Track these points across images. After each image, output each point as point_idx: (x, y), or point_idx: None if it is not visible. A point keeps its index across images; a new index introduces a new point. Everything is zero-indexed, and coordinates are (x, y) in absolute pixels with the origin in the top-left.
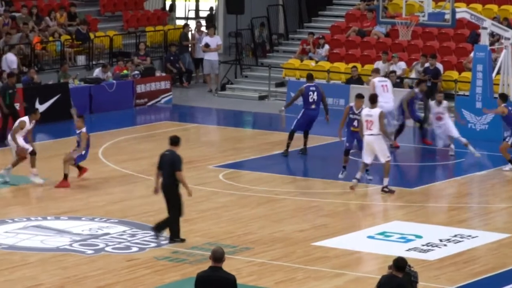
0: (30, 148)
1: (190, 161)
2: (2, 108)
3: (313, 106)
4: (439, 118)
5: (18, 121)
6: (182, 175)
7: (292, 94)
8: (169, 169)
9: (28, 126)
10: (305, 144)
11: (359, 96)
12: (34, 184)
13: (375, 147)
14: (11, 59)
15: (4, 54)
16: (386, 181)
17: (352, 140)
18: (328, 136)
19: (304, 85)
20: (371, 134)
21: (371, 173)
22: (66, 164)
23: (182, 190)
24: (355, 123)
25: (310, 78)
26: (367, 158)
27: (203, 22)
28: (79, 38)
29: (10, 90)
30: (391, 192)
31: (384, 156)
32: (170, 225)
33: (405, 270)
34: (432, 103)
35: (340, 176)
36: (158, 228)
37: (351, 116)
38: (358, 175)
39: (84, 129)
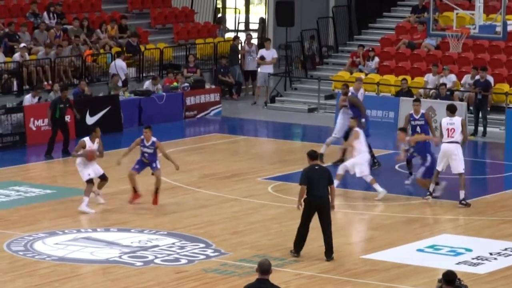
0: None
1: (239, 173)
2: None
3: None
4: None
5: (80, 141)
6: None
7: None
8: (327, 182)
9: (91, 145)
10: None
11: (416, 100)
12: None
13: (452, 155)
14: (120, 65)
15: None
16: (462, 194)
17: (415, 147)
18: (377, 148)
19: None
20: (451, 142)
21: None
22: (131, 179)
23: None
24: (418, 129)
25: None
26: (440, 166)
27: (253, 35)
28: (130, 50)
29: (61, 105)
30: (468, 205)
31: (460, 167)
32: (330, 240)
33: (455, 284)
34: None
35: (406, 182)
36: (329, 254)
37: (412, 122)
38: (431, 188)
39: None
